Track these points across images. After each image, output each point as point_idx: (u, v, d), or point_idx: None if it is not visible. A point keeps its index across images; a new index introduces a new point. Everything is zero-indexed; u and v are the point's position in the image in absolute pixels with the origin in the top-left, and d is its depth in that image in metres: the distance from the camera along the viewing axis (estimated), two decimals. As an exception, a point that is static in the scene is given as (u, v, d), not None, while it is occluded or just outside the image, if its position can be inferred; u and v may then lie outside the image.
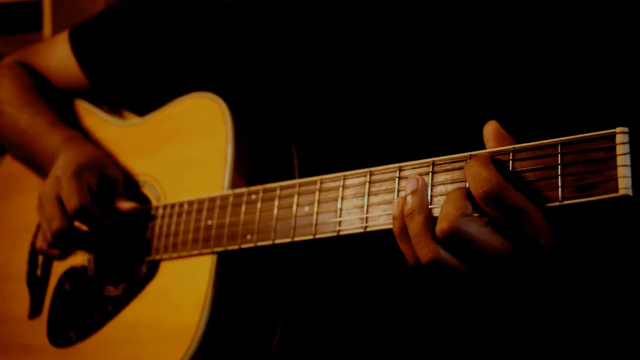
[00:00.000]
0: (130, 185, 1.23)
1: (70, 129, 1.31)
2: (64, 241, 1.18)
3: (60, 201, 1.16)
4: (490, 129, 0.83)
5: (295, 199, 1.00)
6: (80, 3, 2.21)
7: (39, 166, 1.31)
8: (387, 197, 0.90)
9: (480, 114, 0.96)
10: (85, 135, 1.32)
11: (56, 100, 1.38)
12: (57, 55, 1.40)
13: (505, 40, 1.05)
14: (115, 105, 1.46)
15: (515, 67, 1.04)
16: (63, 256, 1.21)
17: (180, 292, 1.08)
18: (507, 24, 1.05)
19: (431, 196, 0.86)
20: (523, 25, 1.05)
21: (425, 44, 1.08)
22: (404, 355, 1.10)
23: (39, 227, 1.28)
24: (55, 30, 2.13)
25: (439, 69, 1.07)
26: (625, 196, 0.74)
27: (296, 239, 0.98)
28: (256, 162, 1.11)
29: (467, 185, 0.80)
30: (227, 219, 1.06)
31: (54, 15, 2.16)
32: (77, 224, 1.18)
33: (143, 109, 1.29)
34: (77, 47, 1.37)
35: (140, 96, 1.32)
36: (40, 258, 1.32)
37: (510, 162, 0.81)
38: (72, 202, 1.14)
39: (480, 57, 1.05)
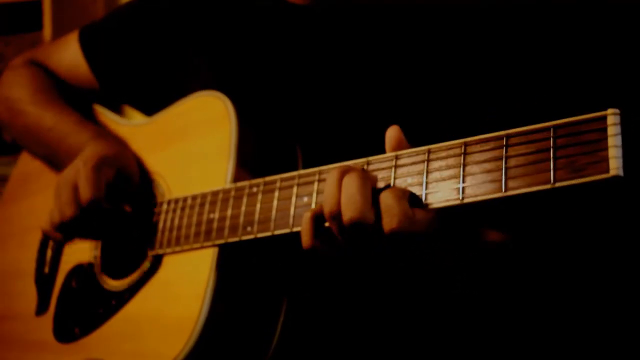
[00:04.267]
0: (142, 181, 1.24)
1: (97, 126, 1.34)
2: (70, 229, 1.20)
3: (76, 190, 1.18)
4: (390, 136, 0.90)
5: (294, 190, 1.00)
6: (80, 3, 2.23)
7: (64, 164, 1.31)
8: (384, 185, 0.91)
9: (483, 119, 0.97)
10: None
11: (74, 100, 1.40)
12: (68, 56, 1.42)
13: (499, 41, 1.06)
14: (124, 106, 1.48)
15: (507, 65, 1.05)
16: (64, 241, 1.24)
17: (182, 284, 1.09)
18: (499, 25, 1.07)
19: (426, 183, 0.87)
20: (512, 25, 1.06)
21: (431, 48, 1.09)
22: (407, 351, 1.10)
23: None
24: (55, 30, 2.14)
25: (444, 74, 1.08)
26: (616, 176, 0.74)
27: (295, 229, 0.99)
28: (260, 161, 1.13)
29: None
30: (229, 212, 1.07)
31: (54, 15, 2.16)
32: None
33: (152, 110, 1.31)
34: (87, 48, 1.39)
35: (150, 98, 1.34)
36: (48, 256, 1.34)
37: (504, 147, 0.83)
38: (86, 193, 1.16)
39: (481, 61, 1.06)
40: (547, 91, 1.02)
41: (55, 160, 1.34)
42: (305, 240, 0.90)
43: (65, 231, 1.20)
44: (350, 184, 0.86)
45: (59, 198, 1.20)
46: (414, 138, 1.07)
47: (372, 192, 0.87)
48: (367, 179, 0.87)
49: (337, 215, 0.86)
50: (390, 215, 0.84)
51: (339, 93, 1.14)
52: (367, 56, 1.13)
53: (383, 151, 0.94)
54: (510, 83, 1.04)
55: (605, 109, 0.76)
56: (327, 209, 0.87)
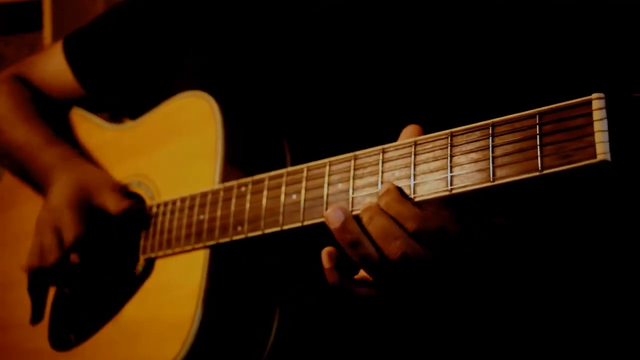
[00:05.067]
0: (126, 187, 1.23)
1: (65, 146, 1.32)
2: (56, 274, 1.21)
3: (58, 233, 1.19)
4: (408, 134, 0.88)
5: (283, 188, 1.00)
6: (80, 3, 2.22)
7: (35, 183, 1.33)
8: (372, 179, 0.91)
9: (474, 112, 0.96)
10: (79, 148, 1.33)
11: (52, 114, 1.39)
12: (53, 66, 1.41)
13: (499, 40, 1.05)
14: (112, 112, 1.48)
15: (508, 67, 1.05)
16: (51, 284, 1.26)
17: (175, 287, 1.09)
18: (504, 22, 1.06)
19: (414, 175, 0.87)
20: (518, 24, 1.05)
21: (418, 43, 1.09)
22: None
23: None
24: (55, 30, 2.14)
25: (432, 68, 1.07)
26: (603, 161, 0.73)
27: (285, 227, 0.98)
28: (248, 158, 1.12)
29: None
30: (219, 212, 1.06)
31: (54, 15, 2.15)
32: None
33: (137, 111, 1.30)
34: (71, 56, 1.38)
35: (136, 101, 1.33)
36: (41, 264, 1.33)
37: (490, 136, 0.82)
38: (70, 237, 1.18)
39: (471, 60, 1.06)
40: (540, 85, 1.01)
41: (28, 178, 1.35)
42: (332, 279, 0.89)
43: (44, 276, 1.22)
44: (376, 226, 0.84)
45: (42, 243, 1.20)
46: (399, 133, 1.07)
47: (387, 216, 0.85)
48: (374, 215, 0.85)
49: (376, 260, 0.85)
50: (406, 219, 0.83)
51: (325, 87, 1.13)
52: (354, 50, 1.13)
53: (369, 145, 0.93)
54: (502, 80, 1.03)
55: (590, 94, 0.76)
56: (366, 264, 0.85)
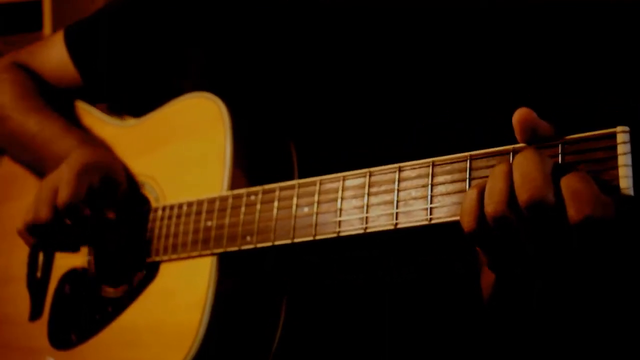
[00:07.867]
0: (130, 187, 1.22)
1: (84, 133, 1.31)
2: (44, 233, 1.18)
3: (55, 192, 1.16)
4: (517, 119, 0.78)
5: (294, 199, 0.99)
6: (80, 3, 2.21)
7: (49, 170, 1.30)
8: (387, 197, 0.90)
9: (480, 114, 0.96)
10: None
11: (59, 103, 1.37)
12: (53, 55, 1.39)
13: (504, 40, 1.05)
14: (112, 106, 1.46)
15: (513, 67, 1.04)
16: (38, 246, 1.23)
17: (181, 293, 1.08)
18: (506, 24, 1.05)
19: (431, 196, 0.86)
20: (521, 25, 1.05)
21: (425, 43, 1.08)
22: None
23: None
24: (55, 30, 2.11)
25: (439, 68, 1.07)
26: (627, 196, 0.73)
27: (296, 240, 0.98)
28: (255, 161, 1.11)
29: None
30: (227, 220, 1.05)
31: (54, 15, 2.16)
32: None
33: (140, 110, 1.29)
34: (73, 46, 1.36)
35: (138, 97, 1.32)
36: (40, 260, 1.31)
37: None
38: (63, 197, 1.14)
39: (479, 57, 1.05)
40: (552, 93, 1.01)
41: (40, 166, 1.32)
42: (469, 222, 0.77)
43: (38, 235, 1.18)
44: (526, 162, 0.74)
45: (38, 199, 1.18)
46: (406, 135, 1.06)
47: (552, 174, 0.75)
48: (545, 156, 0.76)
49: (508, 200, 0.74)
50: (580, 200, 0.72)
51: (331, 88, 1.13)
52: (361, 51, 1.12)
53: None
54: (512, 84, 1.03)
55: (613, 123, 0.75)
56: (496, 198, 0.75)
